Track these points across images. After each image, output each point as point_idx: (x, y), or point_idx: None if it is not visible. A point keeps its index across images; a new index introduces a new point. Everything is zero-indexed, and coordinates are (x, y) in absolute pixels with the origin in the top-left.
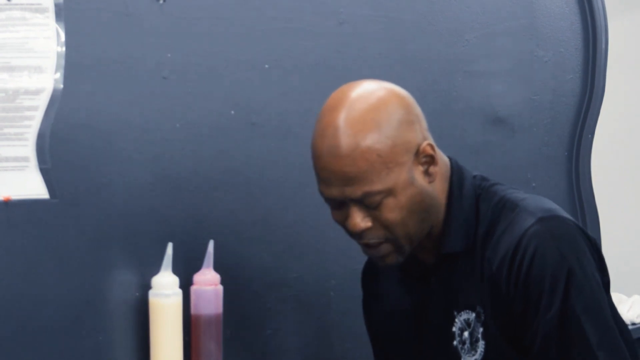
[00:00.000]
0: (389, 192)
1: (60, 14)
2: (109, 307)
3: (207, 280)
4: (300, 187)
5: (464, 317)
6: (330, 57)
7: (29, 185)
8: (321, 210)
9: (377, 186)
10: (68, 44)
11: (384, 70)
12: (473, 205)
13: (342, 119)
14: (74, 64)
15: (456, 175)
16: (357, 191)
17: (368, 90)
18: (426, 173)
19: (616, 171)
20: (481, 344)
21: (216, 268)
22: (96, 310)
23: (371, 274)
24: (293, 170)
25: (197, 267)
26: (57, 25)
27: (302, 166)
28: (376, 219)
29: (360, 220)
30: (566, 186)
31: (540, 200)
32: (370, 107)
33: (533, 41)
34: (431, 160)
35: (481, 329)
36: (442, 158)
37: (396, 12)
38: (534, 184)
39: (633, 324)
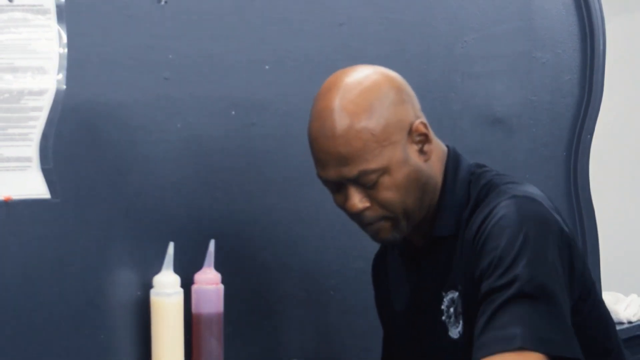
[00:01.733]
0: (385, 171)
1: (62, 15)
2: (110, 306)
3: (208, 279)
4: (300, 187)
5: (450, 296)
6: (330, 58)
7: (31, 185)
8: (321, 210)
9: (372, 165)
10: (70, 45)
11: None
12: (466, 189)
13: (336, 101)
14: (76, 65)
15: (452, 160)
16: (352, 170)
17: (361, 74)
18: (421, 151)
19: (614, 171)
20: (461, 317)
21: (217, 267)
22: (98, 309)
23: (379, 265)
24: (293, 170)
25: (198, 267)
26: (58, 27)
27: (302, 166)
28: (374, 199)
29: (358, 200)
30: (564, 186)
31: (525, 186)
32: (364, 89)
33: (531, 42)
34: (425, 138)
35: (461, 303)
36: (439, 143)
37: (395, 13)
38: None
39: (629, 322)
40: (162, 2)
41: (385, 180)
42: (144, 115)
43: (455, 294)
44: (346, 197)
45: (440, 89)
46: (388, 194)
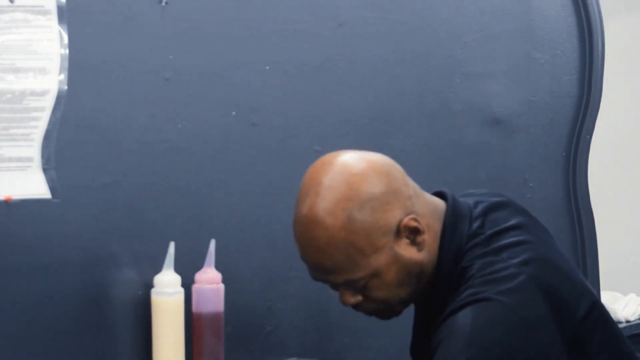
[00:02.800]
0: (373, 275)
1: (63, 16)
2: (111, 306)
3: (209, 278)
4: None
5: None
6: (329, 59)
7: (32, 185)
8: None
9: (358, 274)
10: (71, 46)
11: (382, 72)
12: (455, 265)
13: (314, 210)
14: (77, 65)
15: (448, 232)
16: (338, 279)
17: (341, 172)
18: (413, 243)
19: (613, 170)
20: None
21: (217, 267)
22: (99, 308)
23: None
24: (293, 170)
25: (199, 266)
26: (59, 28)
27: (302, 166)
28: (365, 295)
29: (350, 297)
30: (563, 186)
31: (505, 277)
32: (342, 197)
33: (529, 43)
34: (416, 231)
35: None
36: (436, 209)
37: (395, 14)
38: (531, 184)
39: (627, 321)
40: (163, 3)
41: (375, 282)
42: (145, 116)
43: None
44: (339, 292)
45: (440, 90)
46: (380, 293)
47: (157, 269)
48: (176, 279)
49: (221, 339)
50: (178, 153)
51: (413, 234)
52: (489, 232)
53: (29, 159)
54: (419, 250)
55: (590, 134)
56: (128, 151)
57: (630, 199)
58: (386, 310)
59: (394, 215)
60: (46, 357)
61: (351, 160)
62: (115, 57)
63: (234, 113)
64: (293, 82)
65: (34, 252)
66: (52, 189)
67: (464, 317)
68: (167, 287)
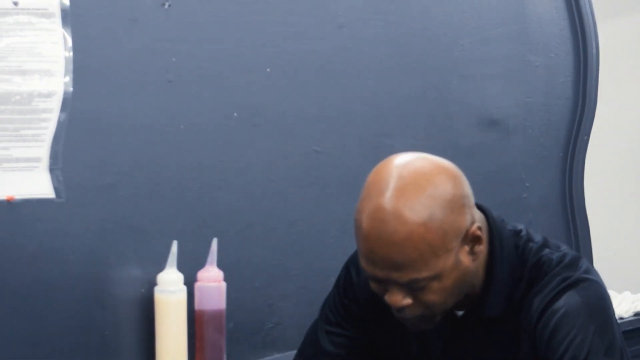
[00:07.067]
0: (435, 277)
1: (67, 19)
2: (115, 304)
3: (211, 277)
4: (300, 187)
5: None
6: (329, 60)
7: (37, 185)
8: (320, 209)
9: (424, 273)
10: (75, 48)
11: (382, 73)
12: (514, 267)
13: (393, 204)
14: (81, 68)
15: (496, 237)
16: (403, 277)
17: (417, 169)
18: (471, 252)
19: (607, 170)
20: None
21: (219, 265)
22: (103, 306)
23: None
24: (294, 170)
25: (201, 265)
26: (63, 30)
27: (302, 166)
28: (417, 298)
29: (401, 298)
30: (559, 186)
31: (576, 262)
32: (425, 194)
33: (525, 46)
34: (477, 240)
35: None
36: (481, 218)
37: (394, 16)
38: (527, 184)
39: (621, 318)
40: (166, 6)
41: (434, 285)
42: (148, 117)
43: None
44: (388, 292)
45: (438, 91)
46: (433, 297)
47: (160, 267)
48: (179, 277)
49: (223, 336)
50: (181, 153)
51: (473, 242)
52: (520, 230)
53: (37, 159)
54: (473, 260)
55: (588, 135)
56: (131, 151)
57: (624, 198)
58: (426, 319)
59: (466, 220)
60: (51, 354)
61: (426, 160)
62: (118, 59)
63: (235, 114)
64: (294, 83)
65: (38, 251)
66: (57, 189)
67: (572, 298)
68: (170, 285)
